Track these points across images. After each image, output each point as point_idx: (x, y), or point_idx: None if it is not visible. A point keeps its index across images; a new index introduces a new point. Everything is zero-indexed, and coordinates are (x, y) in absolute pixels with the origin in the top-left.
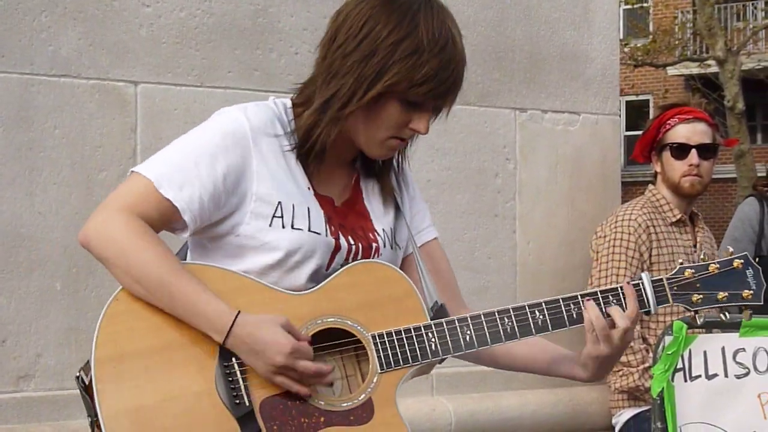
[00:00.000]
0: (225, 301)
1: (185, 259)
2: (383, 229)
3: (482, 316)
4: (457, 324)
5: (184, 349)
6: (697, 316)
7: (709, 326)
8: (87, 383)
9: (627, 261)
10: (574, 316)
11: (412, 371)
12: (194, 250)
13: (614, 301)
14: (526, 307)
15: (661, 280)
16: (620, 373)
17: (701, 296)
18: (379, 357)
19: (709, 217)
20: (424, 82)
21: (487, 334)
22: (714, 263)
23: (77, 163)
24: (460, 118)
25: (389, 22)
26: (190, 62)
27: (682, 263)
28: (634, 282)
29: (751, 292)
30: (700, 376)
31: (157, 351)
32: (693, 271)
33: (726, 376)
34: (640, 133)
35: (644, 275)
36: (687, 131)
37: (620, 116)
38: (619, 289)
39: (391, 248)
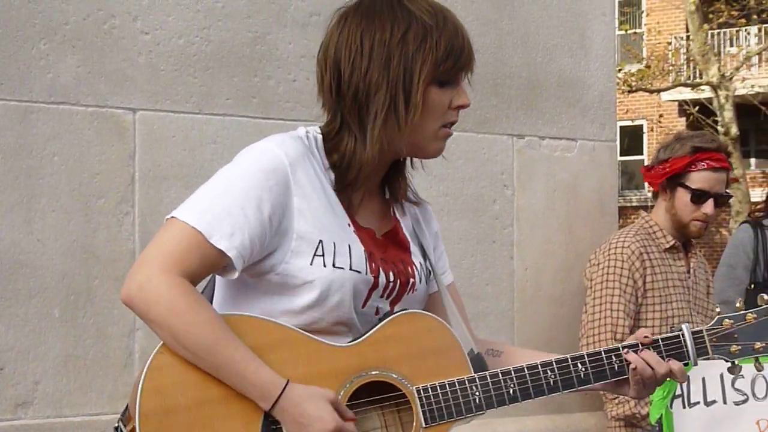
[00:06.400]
0: (268, 353)
1: (214, 289)
2: (420, 263)
3: (525, 369)
4: (501, 377)
5: (230, 404)
6: (734, 367)
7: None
8: None
9: (621, 288)
10: (616, 368)
11: (455, 425)
12: (232, 285)
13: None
14: (569, 360)
15: (702, 331)
16: (616, 400)
17: (739, 347)
18: (423, 411)
19: (702, 242)
20: (447, 57)
21: (531, 387)
22: (751, 313)
23: (76, 190)
24: (458, 145)
25: (383, 24)
26: (189, 89)
27: (719, 313)
28: (674, 333)
29: None
30: (698, 402)
31: (203, 405)
32: (731, 321)
33: (725, 402)
34: (635, 158)
35: (685, 327)
36: (712, 179)
37: (617, 142)
38: (659, 341)
39: (426, 283)
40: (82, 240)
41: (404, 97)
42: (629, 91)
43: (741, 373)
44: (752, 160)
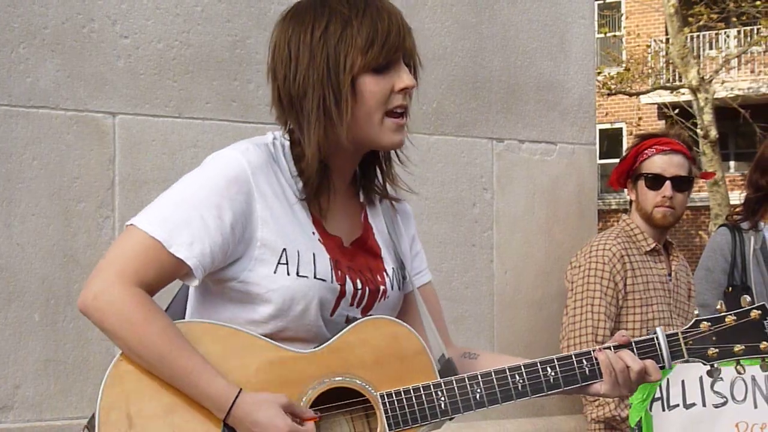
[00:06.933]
0: (229, 361)
1: (187, 296)
2: (393, 269)
3: (493, 374)
4: (467, 382)
5: (189, 411)
6: (713, 370)
7: None
8: None
9: (602, 291)
10: (587, 372)
11: (422, 430)
12: (198, 291)
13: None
14: (538, 364)
15: (677, 334)
16: (596, 403)
17: (717, 350)
18: (387, 417)
19: (682, 245)
20: (372, 43)
21: (498, 392)
22: (731, 315)
23: (55, 194)
24: (438, 148)
25: (306, 25)
26: (168, 93)
27: (698, 315)
28: (648, 336)
29: None
30: (678, 405)
31: (162, 413)
32: (709, 324)
33: (704, 405)
34: (614, 161)
35: (659, 330)
36: (663, 162)
37: (596, 146)
38: (633, 344)
39: (399, 289)
40: (62, 244)
41: (333, 93)
42: (608, 94)
43: (720, 376)
44: (731, 163)
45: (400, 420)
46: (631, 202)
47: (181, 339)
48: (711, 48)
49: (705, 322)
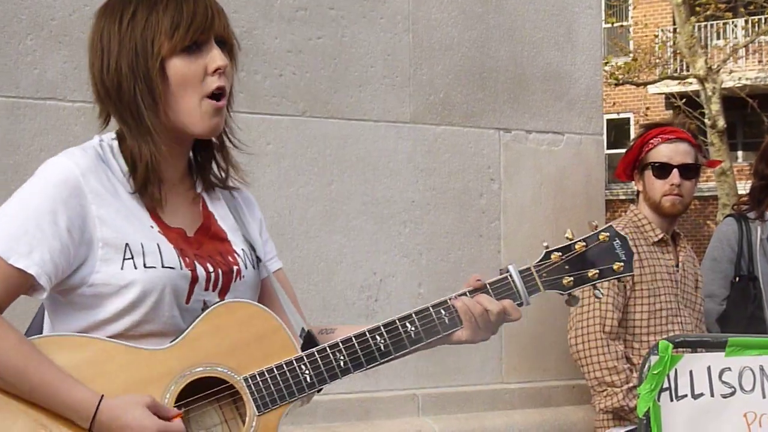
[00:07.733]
0: (86, 369)
1: (44, 317)
2: (242, 249)
3: (354, 339)
4: (329, 351)
5: (57, 426)
6: (571, 299)
7: (695, 346)
8: None
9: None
10: (447, 321)
11: (293, 405)
12: (49, 308)
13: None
14: (397, 321)
15: (529, 269)
16: (605, 393)
17: (572, 278)
18: (254, 399)
19: (690, 235)
20: (178, 26)
21: (362, 356)
22: (580, 241)
23: None
24: (445, 139)
25: (115, 15)
26: None
27: (547, 246)
28: (502, 276)
29: (622, 263)
30: (686, 395)
31: (31, 430)
32: (560, 253)
33: (712, 395)
34: (621, 151)
35: (512, 267)
36: (669, 151)
37: (603, 136)
38: (488, 285)
39: (254, 267)
40: None
41: (144, 80)
42: (616, 84)
43: (728, 366)
44: (739, 153)
45: (268, 400)
46: (638, 192)
47: (36, 352)
48: (718, 38)
49: (556, 253)
